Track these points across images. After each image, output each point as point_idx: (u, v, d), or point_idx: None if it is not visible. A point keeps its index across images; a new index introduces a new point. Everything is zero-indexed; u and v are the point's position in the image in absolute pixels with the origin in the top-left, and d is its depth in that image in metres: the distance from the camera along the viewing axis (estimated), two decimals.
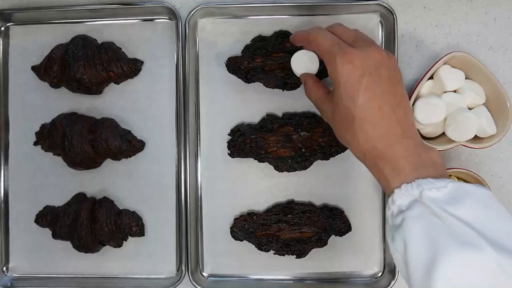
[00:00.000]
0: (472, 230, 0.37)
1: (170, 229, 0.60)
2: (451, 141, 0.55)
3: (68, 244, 0.59)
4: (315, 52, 0.53)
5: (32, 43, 0.61)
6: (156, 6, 0.59)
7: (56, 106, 0.61)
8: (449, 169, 0.56)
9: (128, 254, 0.61)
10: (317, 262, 0.59)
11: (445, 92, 0.55)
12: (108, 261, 0.61)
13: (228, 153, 0.58)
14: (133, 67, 0.59)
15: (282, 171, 0.57)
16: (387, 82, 0.44)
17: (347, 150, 0.57)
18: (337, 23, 0.50)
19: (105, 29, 0.61)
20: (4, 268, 0.62)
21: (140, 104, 0.61)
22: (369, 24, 0.59)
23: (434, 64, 0.54)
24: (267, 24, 0.59)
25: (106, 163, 0.61)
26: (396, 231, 0.41)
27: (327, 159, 0.57)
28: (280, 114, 0.59)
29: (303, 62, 0.54)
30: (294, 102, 0.59)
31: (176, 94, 0.60)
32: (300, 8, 0.59)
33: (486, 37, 0.60)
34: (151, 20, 0.61)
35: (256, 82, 0.57)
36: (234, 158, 0.58)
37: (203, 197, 0.60)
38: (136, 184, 0.61)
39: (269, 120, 0.58)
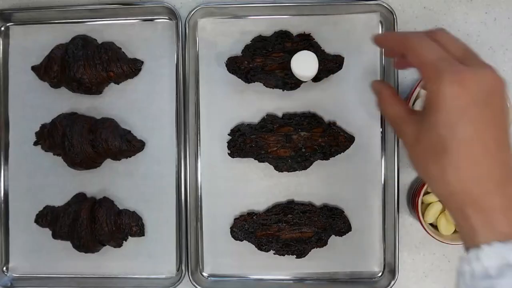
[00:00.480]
0: None
1: (170, 229, 0.60)
2: None
3: (68, 244, 0.59)
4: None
5: (32, 43, 0.61)
6: (156, 6, 0.59)
7: (56, 106, 0.61)
8: None
9: (128, 254, 0.61)
10: (317, 262, 0.59)
11: None
12: (108, 261, 0.61)
13: (228, 153, 0.58)
14: (133, 67, 0.59)
15: (282, 171, 0.57)
16: (499, 114, 0.37)
17: (347, 150, 0.57)
18: (441, 29, 0.42)
19: (105, 29, 0.61)
20: (4, 268, 0.62)
21: (140, 104, 0.61)
22: (369, 24, 0.59)
23: None
24: (267, 24, 0.59)
25: (106, 163, 0.61)
26: None
27: (327, 159, 0.57)
28: (280, 114, 0.59)
29: (303, 64, 0.54)
30: (294, 102, 0.59)
31: (176, 94, 0.60)
32: (300, 8, 0.59)
33: (486, 37, 0.60)
34: (151, 20, 0.61)
35: (256, 82, 0.57)
36: (234, 158, 0.58)
37: (203, 197, 0.60)
38: (136, 184, 0.61)
39: (269, 120, 0.58)
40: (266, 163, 0.58)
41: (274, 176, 0.59)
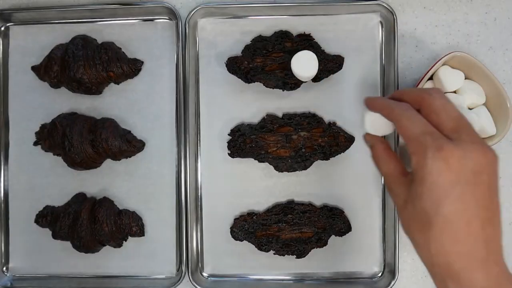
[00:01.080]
0: None
1: (170, 229, 0.60)
2: None
3: (68, 244, 0.59)
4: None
5: (32, 43, 0.61)
6: (156, 6, 0.59)
7: (56, 106, 0.61)
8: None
9: (128, 254, 0.61)
10: (317, 262, 0.59)
11: (445, 92, 0.55)
12: (108, 261, 0.61)
13: (228, 153, 0.58)
14: (133, 67, 0.59)
15: (282, 171, 0.57)
16: (485, 193, 0.37)
17: (347, 150, 0.57)
18: (435, 89, 0.41)
19: (105, 29, 0.61)
20: (4, 268, 0.62)
21: (140, 104, 0.61)
22: (369, 24, 0.59)
23: (434, 65, 0.54)
24: (267, 24, 0.59)
25: (106, 163, 0.61)
26: None
27: (327, 159, 0.57)
28: (280, 114, 0.59)
29: (303, 64, 0.54)
30: (294, 102, 0.59)
31: (176, 94, 0.60)
32: (300, 8, 0.59)
33: (486, 37, 0.60)
34: (151, 20, 0.61)
35: (256, 82, 0.57)
36: (234, 158, 0.58)
37: (203, 197, 0.60)
38: (136, 184, 0.61)
39: (269, 120, 0.58)
40: (266, 163, 0.58)
41: (274, 176, 0.59)
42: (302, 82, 0.57)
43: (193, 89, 0.60)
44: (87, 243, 0.58)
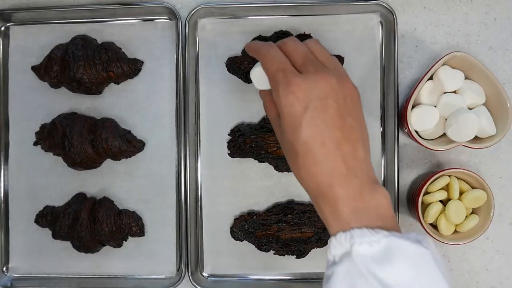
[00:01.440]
0: None
1: (170, 229, 0.60)
2: (451, 141, 0.55)
3: (68, 244, 0.59)
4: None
5: (32, 43, 0.61)
6: (156, 6, 0.59)
7: (56, 106, 0.61)
8: (449, 169, 0.56)
9: (128, 254, 0.61)
10: (317, 262, 0.59)
11: (444, 92, 0.55)
12: (108, 261, 0.61)
13: (228, 153, 0.58)
14: (133, 67, 0.59)
15: (282, 171, 0.57)
16: (334, 115, 0.40)
17: None
18: (290, 37, 0.46)
19: (105, 29, 0.61)
20: (4, 268, 0.62)
21: (140, 104, 0.61)
22: (369, 24, 0.59)
23: (434, 65, 0.54)
24: (267, 24, 0.60)
25: (106, 163, 0.61)
26: (325, 284, 0.39)
27: None
28: None
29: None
30: None
31: (176, 94, 0.60)
32: (300, 8, 0.59)
33: (486, 37, 0.60)
34: (151, 20, 0.61)
35: None
36: (234, 158, 0.58)
37: (203, 197, 0.60)
38: (136, 184, 0.61)
39: (269, 120, 0.58)
40: (266, 163, 0.58)
41: (274, 176, 0.59)
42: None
43: (193, 89, 0.60)
44: (87, 243, 0.58)
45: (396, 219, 0.41)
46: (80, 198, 0.60)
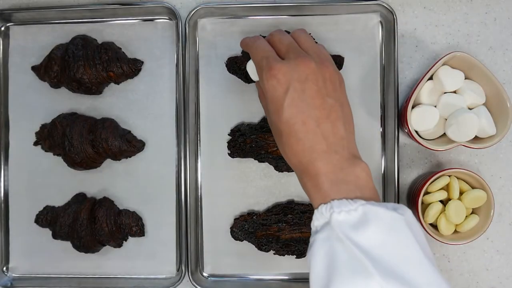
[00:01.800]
0: (366, 258, 0.37)
1: (170, 229, 0.60)
2: (451, 141, 0.55)
3: (68, 244, 0.59)
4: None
5: (32, 43, 0.61)
6: (156, 6, 0.59)
7: (56, 106, 0.61)
8: (449, 169, 0.56)
9: (128, 254, 0.61)
10: None
11: (444, 92, 0.55)
12: (108, 261, 0.61)
13: (228, 153, 0.58)
14: (133, 67, 0.59)
15: (282, 171, 0.57)
16: (314, 96, 0.43)
17: None
18: (277, 29, 0.49)
19: (105, 29, 0.61)
20: (4, 268, 0.62)
21: (140, 104, 0.61)
22: (369, 24, 0.59)
23: (433, 65, 0.54)
24: (267, 24, 0.60)
25: (106, 163, 0.61)
26: (308, 251, 0.41)
27: None
28: None
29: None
30: None
31: (176, 94, 0.60)
32: (300, 8, 0.59)
33: (486, 37, 0.60)
34: (151, 20, 0.61)
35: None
36: (234, 158, 0.58)
37: (203, 197, 0.60)
38: (136, 184, 0.61)
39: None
40: (266, 163, 0.58)
41: (274, 176, 0.59)
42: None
43: (193, 89, 0.60)
44: (87, 243, 0.58)
45: (376, 191, 0.43)
46: (80, 198, 0.60)
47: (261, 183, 0.60)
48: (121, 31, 0.61)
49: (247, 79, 0.57)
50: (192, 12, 0.59)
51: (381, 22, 0.60)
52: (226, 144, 0.58)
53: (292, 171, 0.56)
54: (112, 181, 0.61)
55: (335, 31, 0.59)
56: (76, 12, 0.60)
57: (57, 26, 0.62)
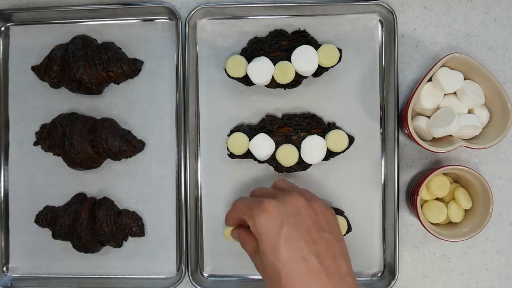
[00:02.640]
0: None
1: (170, 229, 0.61)
2: (452, 142, 0.54)
3: (68, 244, 0.60)
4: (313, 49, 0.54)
5: (32, 43, 0.62)
6: (156, 6, 0.60)
7: (56, 106, 0.61)
8: (449, 165, 0.55)
9: (128, 254, 0.61)
10: None
11: (444, 94, 0.56)
12: (108, 261, 0.61)
13: (228, 154, 0.58)
14: (133, 67, 0.59)
15: (282, 172, 0.58)
16: (311, 229, 0.42)
17: (347, 150, 0.57)
18: (257, 187, 0.51)
19: (105, 29, 0.61)
20: (4, 268, 0.62)
21: (140, 104, 0.61)
22: (369, 24, 0.59)
23: (433, 67, 0.54)
24: (267, 24, 0.60)
25: (106, 163, 0.61)
26: None
27: (327, 159, 0.57)
28: (279, 115, 0.60)
29: (303, 58, 0.54)
30: (293, 102, 0.60)
31: (176, 94, 0.60)
32: (300, 8, 0.59)
33: (486, 37, 0.60)
34: (151, 20, 0.61)
35: None
36: (234, 159, 0.58)
37: (203, 197, 0.60)
38: (136, 184, 0.61)
39: (269, 121, 0.58)
40: (266, 163, 0.58)
41: (274, 176, 0.60)
42: (303, 78, 0.57)
43: (193, 89, 0.60)
44: (87, 243, 0.58)
45: None
46: (80, 198, 0.60)
47: (261, 184, 0.60)
48: (121, 31, 0.61)
49: (247, 82, 0.57)
50: (192, 12, 0.59)
51: (381, 21, 0.60)
52: (226, 145, 0.58)
53: (292, 171, 0.57)
54: (112, 181, 0.61)
55: (334, 31, 0.60)
56: (76, 12, 0.61)
57: (57, 26, 0.62)
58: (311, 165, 0.57)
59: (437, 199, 0.58)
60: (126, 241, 0.60)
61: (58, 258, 0.61)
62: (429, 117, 0.57)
